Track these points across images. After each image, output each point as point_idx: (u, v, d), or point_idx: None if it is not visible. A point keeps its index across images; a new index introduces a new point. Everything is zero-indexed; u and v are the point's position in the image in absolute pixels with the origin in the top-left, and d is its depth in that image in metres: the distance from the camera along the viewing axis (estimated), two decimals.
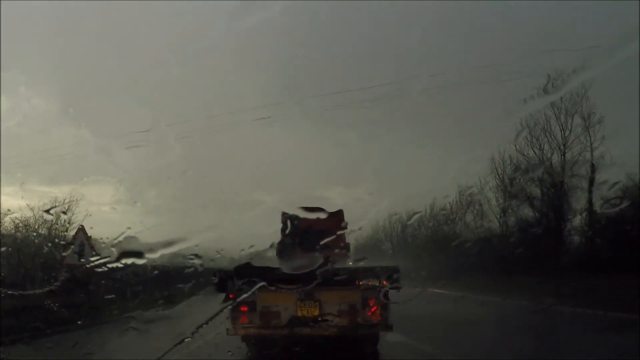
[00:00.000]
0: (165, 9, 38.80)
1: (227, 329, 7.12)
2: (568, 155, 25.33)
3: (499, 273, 23.73)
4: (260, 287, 6.68)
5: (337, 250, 10.01)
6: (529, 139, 26.20)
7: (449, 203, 34.71)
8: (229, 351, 7.12)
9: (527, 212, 28.23)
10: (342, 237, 10.42)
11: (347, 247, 10.99)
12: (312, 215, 9.51)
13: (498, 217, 31.05)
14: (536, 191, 27.10)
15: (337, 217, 10.04)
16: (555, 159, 25.75)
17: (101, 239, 8.96)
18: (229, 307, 6.93)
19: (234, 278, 7.11)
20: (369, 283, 7.40)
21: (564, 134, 25.47)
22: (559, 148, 25.67)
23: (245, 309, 7.09)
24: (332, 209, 10.14)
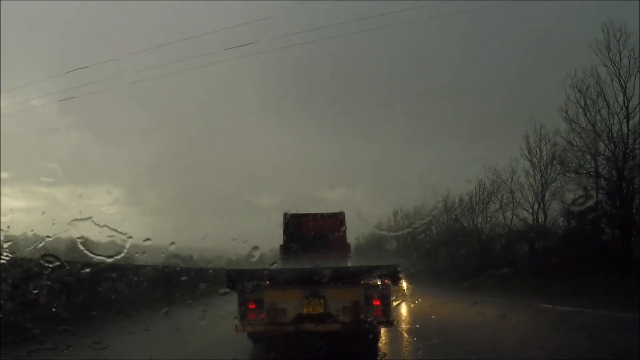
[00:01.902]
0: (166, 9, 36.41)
1: (236, 326, 7.38)
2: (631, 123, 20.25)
3: (540, 272, 19.71)
4: (268, 285, 7.42)
5: (338, 251, 10.30)
6: (582, 103, 21.18)
7: (467, 194, 30.21)
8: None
9: (579, 195, 24.08)
10: (342, 238, 10.70)
11: (347, 247, 11.19)
12: (314, 217, 10.56)
13: (533, 206, 25.78)
14: (589, 168, 21.70)
15: (338, 219, 10.51)
16: (616, 127, 20.68)
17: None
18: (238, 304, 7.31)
19: (244, 278, 7.38)
20: (371, 282, 7.63)
21: (626, 96, 20.19)
22: (617, 115, 20.51)
23: (254, 306, 7.37)
24: (333, 208, 10.76)
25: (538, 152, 25.05)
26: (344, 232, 10.87)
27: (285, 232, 10.63)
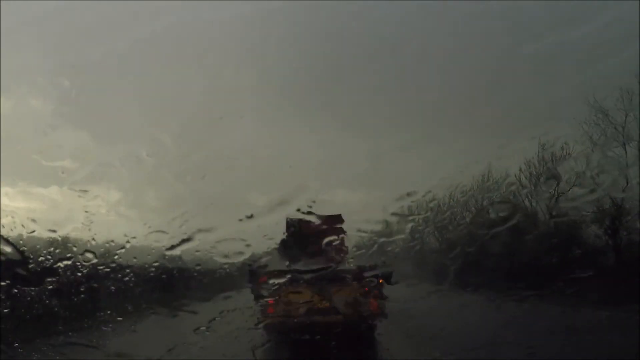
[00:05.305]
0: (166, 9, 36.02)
1: (258, 318, 8.60)
2: None
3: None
4: (283, 283, 8.53)
5: (337, 253, 10.87)
6: None
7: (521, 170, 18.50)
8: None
9: None
10: (342, 241, 11.20)
11: (346, 250, 11.86)
12: (311, 220, 10.76)
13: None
14: None
15: (336, 221, 10.88)
16: None
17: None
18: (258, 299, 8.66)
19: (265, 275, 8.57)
20: (369, 281, 8.94)
21: None
22: None
23: (272, 301, 8.67)
24: (333, 208, 11.17)
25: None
26: (343, 234, 11.57)
27: (285, 235, 11.18)
